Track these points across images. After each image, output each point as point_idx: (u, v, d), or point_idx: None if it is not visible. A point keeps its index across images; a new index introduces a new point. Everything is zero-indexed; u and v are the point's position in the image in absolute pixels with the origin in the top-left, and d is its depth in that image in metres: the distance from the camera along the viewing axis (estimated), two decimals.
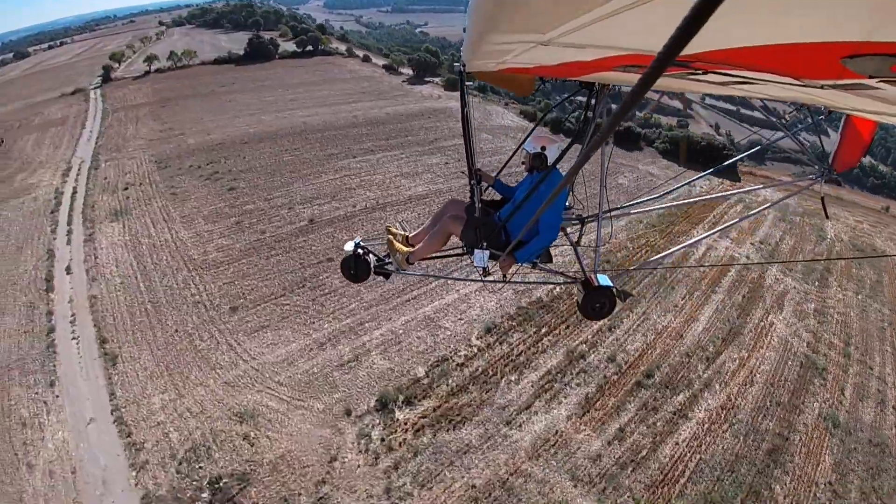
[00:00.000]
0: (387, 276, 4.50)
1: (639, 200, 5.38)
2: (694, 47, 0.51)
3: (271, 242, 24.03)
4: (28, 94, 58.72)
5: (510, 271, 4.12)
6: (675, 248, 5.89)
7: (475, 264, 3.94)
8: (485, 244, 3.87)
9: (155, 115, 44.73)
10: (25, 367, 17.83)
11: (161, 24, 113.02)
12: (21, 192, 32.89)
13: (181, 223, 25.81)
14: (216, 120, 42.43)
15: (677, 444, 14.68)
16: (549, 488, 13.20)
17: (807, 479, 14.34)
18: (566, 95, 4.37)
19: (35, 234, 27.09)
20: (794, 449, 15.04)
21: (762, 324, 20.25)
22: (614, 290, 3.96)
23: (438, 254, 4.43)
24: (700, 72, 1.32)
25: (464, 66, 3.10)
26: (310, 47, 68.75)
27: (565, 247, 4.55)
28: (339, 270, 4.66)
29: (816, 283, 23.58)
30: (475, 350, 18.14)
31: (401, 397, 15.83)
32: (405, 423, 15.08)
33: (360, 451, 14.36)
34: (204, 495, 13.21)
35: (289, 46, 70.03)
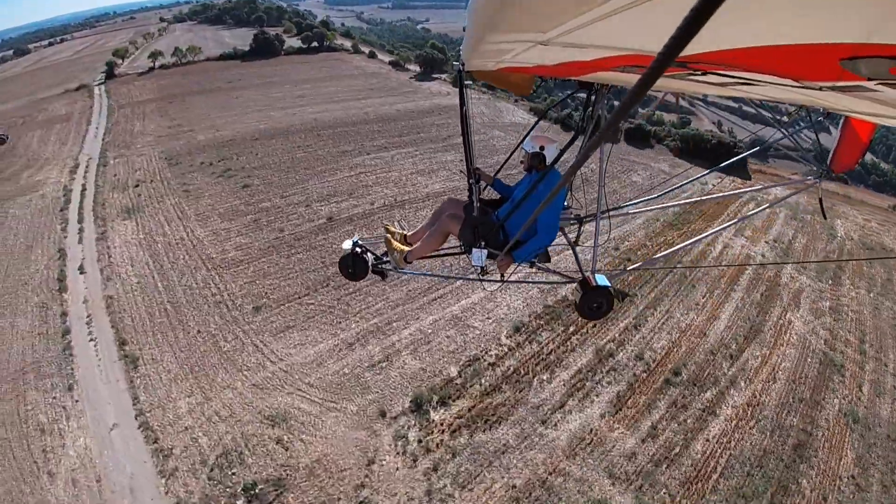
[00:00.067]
0: (384, 274, 4.50)
1: (637, 201, 5.29)
2: (693, 48, 0.51)
3: (290, 241, 23.40)
4: (30, 91, 57.88)
5: (508, 271, 4.08)
6: (673, 248, 5.89)
7: (473, 263, 3.93)
8: (483, 243, 3.85)
9: (162, 112, 43.97)
10: (41, 371, 17.20)
11: (162, 20, 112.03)
12: (28, 189, 32.19)
13: (196, 221, 25.16)
14: (224, 116, 41.71)
15: (707, 440, 14.79)
16: (587, 486, 13.22)
17: (831, 473, 14.51)
18: (568, 93, 4.23)
19: (45, 233, 26.43)
20: (817, 444, 15.24)
21: (781, 321, 20.35)
22: (612, 290, 3.93)
23: (436, 253, 4.39)
24: (699, 73, 1.32)
25: (463, 65, 3.09)
26: (315, 43, 67.94)
27: (569, 247, 4.42)
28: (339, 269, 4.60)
29: (830, 282, 23.67)
30: (505, 349, 17.85)
31: (435, 398, 15.48)
32: (441, 424, 14.78)
33: (398, 454, 13.98)
34: (239, 502, 12.66)
35: (293, 43, 69.20)
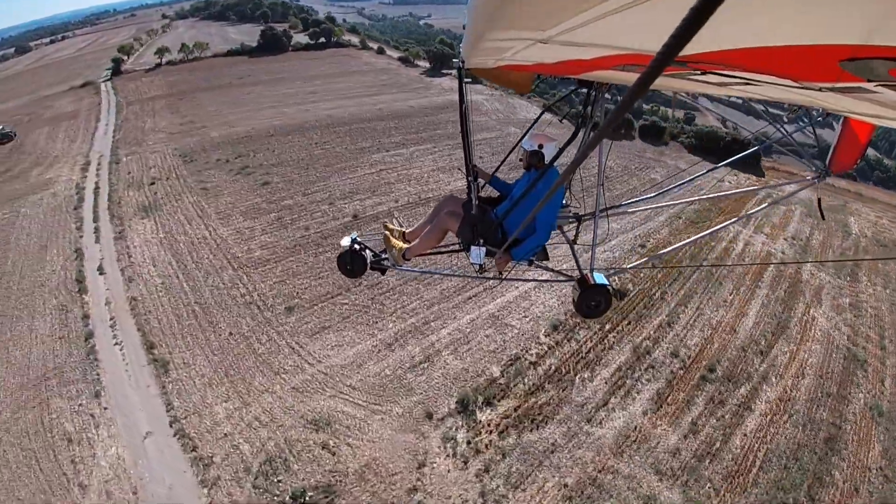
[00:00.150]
0: (383, 271, 4.49)
1: (636, 199, 5.40)
2: (692, 48, 0.51)
3: (317, 239, 22.72)
4: (34, 88, 57.00)
5: (506, 268, 4.07)
6: (673, 247, 6.02)
7: (471, 261, 3.93)
8: (481, 241, 3.84)
9: (172, 108, 43.16)
10: (64, 377, 16.48)
11: (164, 17, 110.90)
12: (39, 187, 31.41)
13: (218, 220, 24.44)
14: (237, 112, 40.93)
15: (745, 435, 15.00)
16: (636, 483, 13.29)
17: (860, 465, 14.83)
18: (572, 88, 4.15)
19: (59, 232, 25.68)
20: (846, 437, 15.56)
21: (805, 318, 20.67)
22: (610, 289, 3.93)
23: (435, 250, 4.41)
24: (698, 72, 1.32)
25: (463, 62, 3.08)
26: (322, 39, 67.07)
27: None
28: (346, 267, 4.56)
29: (848, 278, 23.98)
30: (545, 348, 17.70)
31: (480, 398, 15.24)
32: (488, 425, 14.59)
33: (448, 456, 13.66)
34: None
35: (301, 39, 68.34)
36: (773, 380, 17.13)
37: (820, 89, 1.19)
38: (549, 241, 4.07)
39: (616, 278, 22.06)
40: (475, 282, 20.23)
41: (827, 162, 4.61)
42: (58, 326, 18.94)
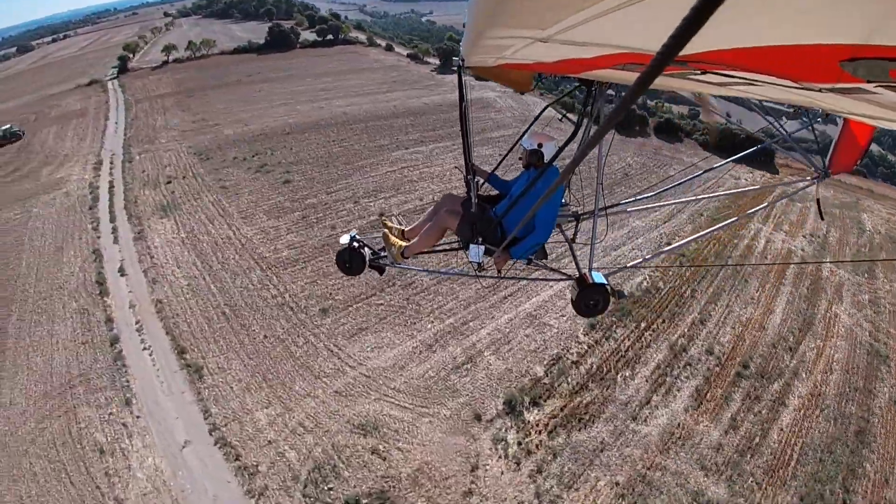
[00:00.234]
0: (381, 270, 4.48)
1: (636, 199, 5.41)
2: (692, 47, 0.51)
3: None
4: (39, 87, 56.21)
5: (504, 267, 4.07)
6: (672, 246, 6.22)
7: (470, 259, 3.93)
8: (480, 239, 3.84)
9: (183, 106, 42.46)
10: (91, 384, 15.86)
11: (166, 15, 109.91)
12: (50, 187, 30.73)
13: (241, 219, 23.83)
14: (249, 110, 40.27)
15: (781, 429, 15.24)
16: (684, 479, 13.42)
17: (889, 457, 15.07)
18: (572, 88, 4.19)
19: (75, 233, 25.03)
20: (875, 430, 15.81)
21: (828, 314, 20.97)
22: (608, 288, 3.90)
23: (434, 248, 4.40)
24: (698, 72, 1.31)
25: (462, 61, 3.11)
26: (330, 36, 66.36)
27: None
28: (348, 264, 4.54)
29: (865, 275, 24.21)
30: (585, 347, 17.66)
31: (526, 399, 15.17)
32: (537, 425, 14.52)
33: (500, 457, 13.47)
34: None
35: (308, 36, 67.61)
36: (804, 375, 17.40)
37: (820, 90, 1.18)
38: (549, 240, 4.08)
39: (646, 276, 22.04)
40: (510, 281, 19.88)
41: (826, 163, 4.59)
42: (80, 331, 18.32)
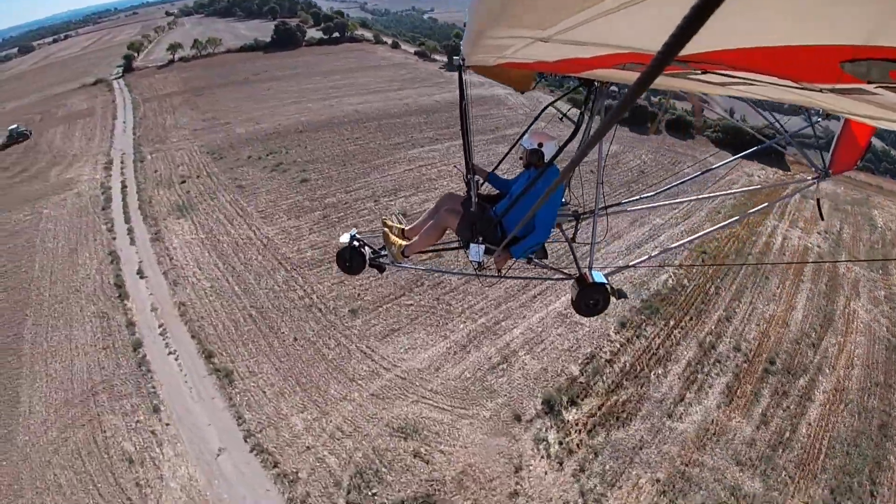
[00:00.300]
0: (381, 269, 4.49)
1: (636, 198, 5.34)
2: (693, 47, 0.52)
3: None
4: (42, 87, 55.70)
5: (505, 266, 4.08)
6: (672, 246, 6.36)
7: (470, 258, 3.94)
8: (480, 239, 3.84)
9: (191, 105, 41.98)
10: (115, 391, 15.39)
11: (168, 13, 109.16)
12: (60, 187, 30.27)
13: (261, 219, 23.39)
14: (259, 108, 39.80)
15: (810, 424, 15.42)
16: (721, 475, 13.51)
17: None
18: (573, 87, 4.17)
19: (89, 234, 24.56)
20: None
21: (847, 310, 21.11)
22: (608, 288, 3.88)
23: (434, 248, 4.41)
24: (699, 72, 1.32)
25: (463, 60, 3.11)
26: (336, 34, 65.82)
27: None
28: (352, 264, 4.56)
29: (880, 272, 24.36)
30: (617, 345, 17.59)
31: (564, 398, 15.08)
32: (577, 424, 14.46)
33: (543, 457, 13.34)
34: None
35: (314, 33, 67.05)
36: (827, 371, 17.59)
37: (820, 90, 1.17)
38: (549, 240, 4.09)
39: (672, 274, 21.89)
40: (539, 280, 19.54)
41: (827, 163, 4.59)
42: (100, 335, 17.87)
